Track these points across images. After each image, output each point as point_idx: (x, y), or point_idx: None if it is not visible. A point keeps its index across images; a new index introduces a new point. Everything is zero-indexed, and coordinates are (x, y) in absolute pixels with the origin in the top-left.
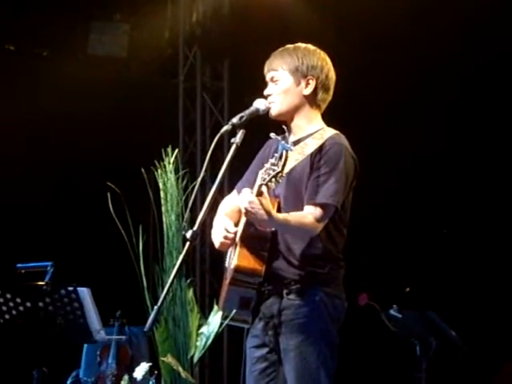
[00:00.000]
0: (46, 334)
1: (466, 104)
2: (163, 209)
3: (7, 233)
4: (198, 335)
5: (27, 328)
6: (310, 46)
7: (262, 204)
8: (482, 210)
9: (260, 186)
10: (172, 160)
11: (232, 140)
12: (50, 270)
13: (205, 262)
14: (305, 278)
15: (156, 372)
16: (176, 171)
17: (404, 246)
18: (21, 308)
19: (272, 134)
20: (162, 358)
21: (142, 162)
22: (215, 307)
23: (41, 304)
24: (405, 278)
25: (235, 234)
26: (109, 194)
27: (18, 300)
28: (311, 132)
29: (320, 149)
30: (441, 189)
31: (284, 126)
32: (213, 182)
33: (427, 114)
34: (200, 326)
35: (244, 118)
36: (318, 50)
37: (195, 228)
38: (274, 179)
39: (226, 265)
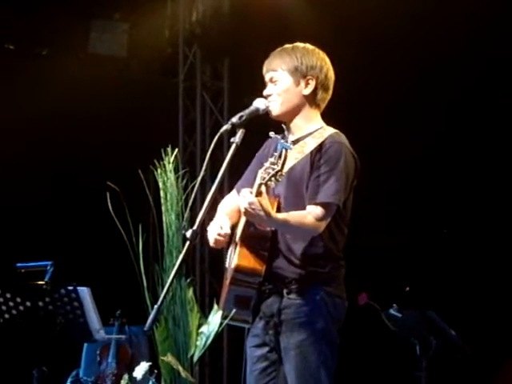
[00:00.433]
0: (45, 333)
1: (465, 104)
2: (163, 208)
3: (7, 232)
4: (197, 334)
5: (27, 327)
6: (309, 46)
7: (261, 204)
8: (482, 210)
9: (259, 185)
10: (172, 159)
11: (232, 139)
12: (49, 269)
13: (205, 261)
14: (305, 277)
15: (156, 371)
16: (176, 170)
17: (404, 246)
18: (21, 307)
19: (271, 133)
20: (162, 358)
21: (142, 161)
22: (215, 307)
23: (41, 303)
24: (404, 278)
25: (226, 235)
26: (108, 194)
27: (18, 299)
28: (311, 131)
29: (320, 147)
30: (441, 188)
31: (283, 125)
32: (213, 182)
33: (427, 115)
34: (200, 326)
35: (244, 118)
36: (317, 50)
37: (195, 227)
38: (273, 178)
39: (227, 265)
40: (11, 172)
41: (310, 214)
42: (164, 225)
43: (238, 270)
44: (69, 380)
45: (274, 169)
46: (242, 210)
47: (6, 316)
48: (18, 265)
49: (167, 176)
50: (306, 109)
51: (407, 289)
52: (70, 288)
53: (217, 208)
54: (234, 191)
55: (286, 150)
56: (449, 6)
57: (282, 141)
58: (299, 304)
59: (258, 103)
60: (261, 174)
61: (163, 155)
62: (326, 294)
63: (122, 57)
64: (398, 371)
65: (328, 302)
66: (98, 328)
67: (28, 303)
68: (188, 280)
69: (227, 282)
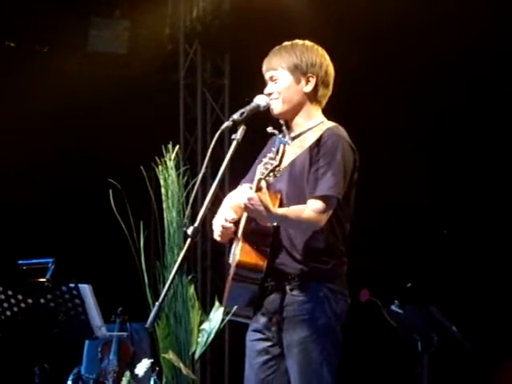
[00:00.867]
0: (47, 330)
1: (465, 104)
2: (164, 205)
3: (8, 230)
4: (199, 331)
5: (29, 325)
6: (308, 43)
7: (260, 200)
8: (483, 208)
9: (259, 180)
10: (173, 156)
11: (233, 136)
12: (51, 266)
13: (206, 258)
14: (308, 273)
15: (157, 368)
16: (177, 168)
17: (405, 242)
18: (22, 305)
19: (269, 128)
20: (164, 355)
21: (143, 158)
22: (216, 303)
23: (42, 300)
24: (406, 274)
25: (233, 221)
26: (110, 191)
27: (20, 297)
28: (311, 126)
29: (318, 141)
30: (441, 187)
31: (282, 121)
32: (213, 179)
33: (427, 113)
34: (201, 323)
35: (245, 114)
36: (316, 46)
37: (196, 224)
38: (271, 173)
39: (230, 261)
40: (12, 169)
41: (310, 207)
42: (165, 222)
43: (240, 265)
44: (70, 377)
45: (272, 164)
46: (242, 205)
47: (8, 313)
48: (20, 262)
49: (168, 173)
50: (307, 106)
51: (409, 285)
52: (72, 285)
53: (218, 205)
54: (239, 187)
55: (284, 145)
56: (450, 2)
57: (280, 136)
58: (302, 301)
59: (259, 100)
60: (260, 169)
61: (164, 152)
62: (329, 290)
63: (122, 54)
64: (400, 367)
65: (331, 299)
66: (99, 325)
67: (30, 300)
68: (189, 277)
69: (230, 277)
